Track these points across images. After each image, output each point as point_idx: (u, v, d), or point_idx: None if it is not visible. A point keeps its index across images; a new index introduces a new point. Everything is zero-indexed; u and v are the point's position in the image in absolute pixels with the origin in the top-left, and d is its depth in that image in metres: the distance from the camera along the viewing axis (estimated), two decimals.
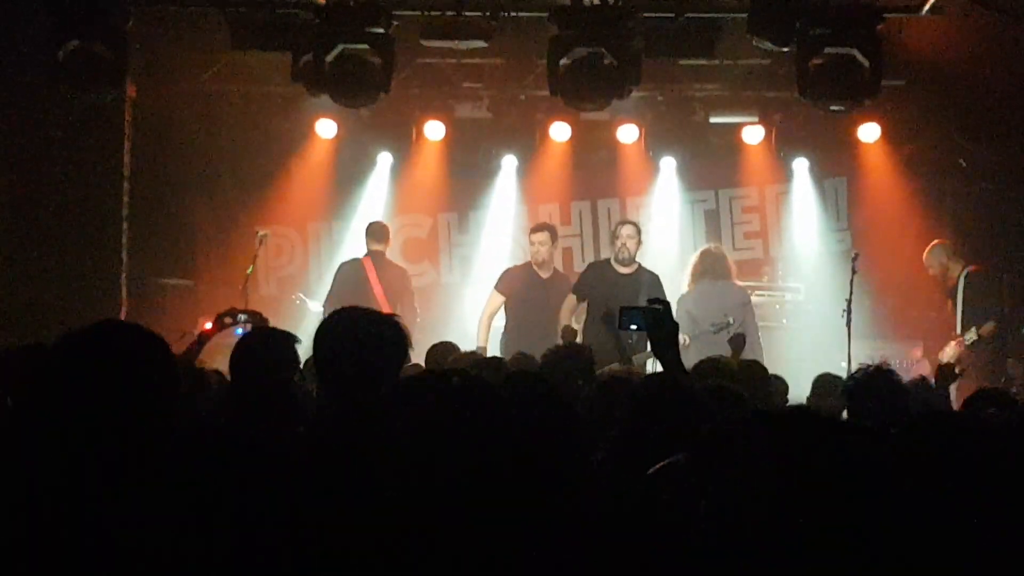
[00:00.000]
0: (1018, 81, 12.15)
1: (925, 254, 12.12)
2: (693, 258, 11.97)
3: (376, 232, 12.53)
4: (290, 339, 5.08)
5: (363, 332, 4.12)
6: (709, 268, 11.73)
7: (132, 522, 2.70)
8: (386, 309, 11.52)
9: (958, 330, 11.59)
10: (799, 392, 8.00)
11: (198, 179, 13.64)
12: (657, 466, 3.57)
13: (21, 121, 12.31)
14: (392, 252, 13.88)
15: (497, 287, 11.94)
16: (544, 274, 11.82)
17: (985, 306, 11.61)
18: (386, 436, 3.12)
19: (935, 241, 12.21)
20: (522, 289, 11.76)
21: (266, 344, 5.11)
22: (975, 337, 11.28)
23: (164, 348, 3.04)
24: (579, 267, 12.99)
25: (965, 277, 11.71)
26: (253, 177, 13.77)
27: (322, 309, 11.90)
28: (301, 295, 13.02)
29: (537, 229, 12.08)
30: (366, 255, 12.35)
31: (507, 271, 12.20)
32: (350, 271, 12.22)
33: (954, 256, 11.98)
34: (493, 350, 11.03)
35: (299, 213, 13.96)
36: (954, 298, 11.76)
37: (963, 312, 11.61)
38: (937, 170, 13.36)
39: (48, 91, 11.25)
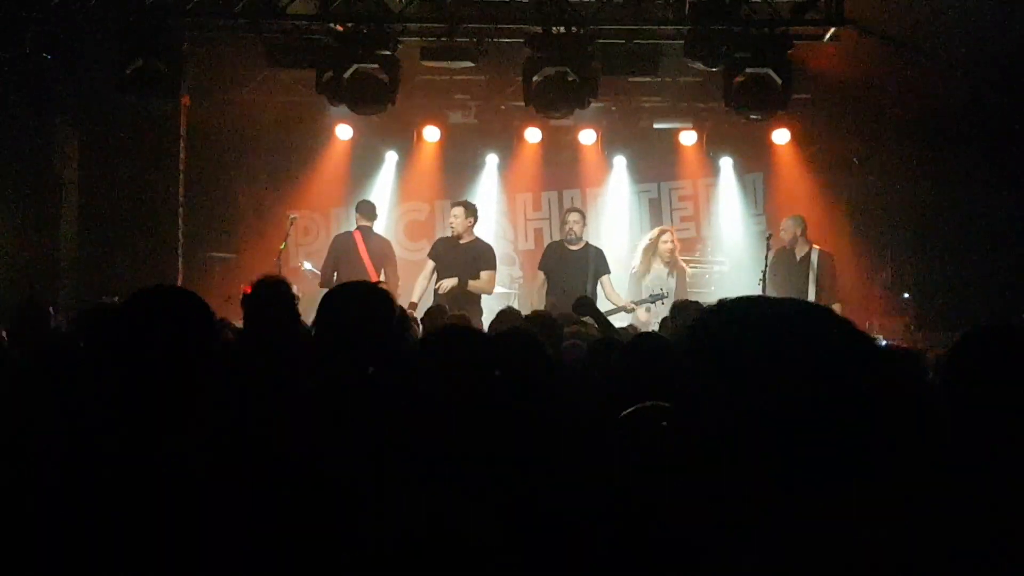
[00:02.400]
0: (899, 94, 12.21)
1: (785, 220, 11.78)
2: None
3: (365, 210, 12.28)
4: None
5: (360, 306, 3.95)
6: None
7: (174, 442, 2.73)
8: (372, 273, 11.50)
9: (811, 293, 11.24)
10: None
11: (240, 172, 13.62)
12: (629, 410, 3.53)
13: (98, 125, 12.28)
14: (396, 233, 13.92)
15: (429, 254, 11.40)
16: (463, 241, 11.14)
17: (831, 285, 11.32)
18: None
19: (795, 214, 11.93)
20: (444, 255, 11.21)
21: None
22: None
23: (204, 306, 3.07)
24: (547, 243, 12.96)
25: (819, 256, 11.43)
26: (285, 170, 13.75)
27: (319, 274, 11.86)
28: (306, 263, 12.62)
29: (454, 205, 11.46)
30: (356, 229, 12.14)
31: (435, 242, 11.68)
32: (343, 242, 12.01)
33: (805, 233, 11.61)
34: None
35: (322, 200, 13.94)
36: (805, 272, 11.37)
37: (817, 286, 11.26)
38: (835, 167, 13.37)
39: (119, 100, 11.21)
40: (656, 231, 11.99)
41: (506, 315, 7.91)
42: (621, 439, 3.27)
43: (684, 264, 12.05)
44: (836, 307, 10.90)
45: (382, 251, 12.01)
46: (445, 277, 10.82)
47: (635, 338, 5.02)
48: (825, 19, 10.42)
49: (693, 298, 10.76)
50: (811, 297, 11.17)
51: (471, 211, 11.21)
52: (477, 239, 11.24)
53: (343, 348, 3.81)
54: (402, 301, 9.02)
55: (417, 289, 11.03)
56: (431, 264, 11.15)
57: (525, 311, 11.70)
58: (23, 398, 3.56)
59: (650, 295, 11.09)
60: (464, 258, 10.94)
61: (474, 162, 14.01)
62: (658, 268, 11.51)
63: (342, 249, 11.80)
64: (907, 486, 1.72)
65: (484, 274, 10.91)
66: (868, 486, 1.59)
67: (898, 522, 1.62)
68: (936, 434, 2.41)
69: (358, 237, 12.00)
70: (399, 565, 2.64)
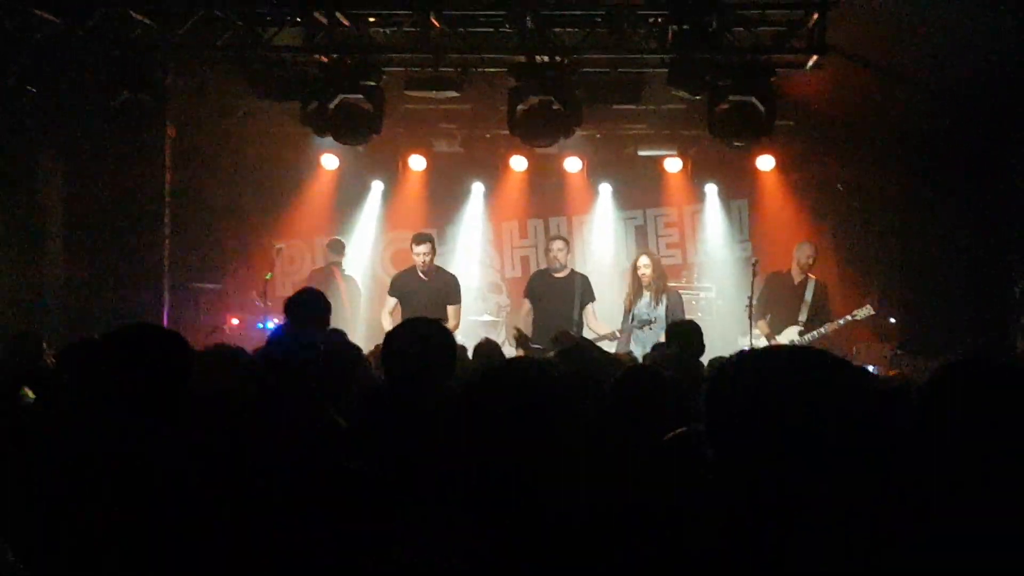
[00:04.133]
0: (881, 121, 12.26)
1: (803, 244, 11.65)
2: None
3: (337, 247, 13.02)
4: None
5: (425, 339, 4.14)
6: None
7: (152, 469, 2.72)
8: (347, 306, 11.75)
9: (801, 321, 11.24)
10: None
11: (226, 203, 13.60)
12: (671, 434, 3.60)
13: (83, 157, 12.23)
14: (382, 261, 13.94)
15: (390, 291, 11.15)
16: (425, 277, 10.93)
17: (824, 312, 11.24)
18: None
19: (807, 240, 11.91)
20: (408, 290, 10.97)
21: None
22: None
23: (181, 342, 3.07)
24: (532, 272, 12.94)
25: (815, 284, 11.37)
26: (270, 201, 13.75)
27: None
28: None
29: (419, 241, 11.04)
30: (331, 264, 12.72)
31: (395, 277, 11.34)
32: (324, 276, 12.47)
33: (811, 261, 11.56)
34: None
35: (308, 229, 13.94)
36: (801, 296, 11.31)
37: (810, 311, 11.21)
38: (820, 193, 13.43)
39: (104, 133, 11.20)
40: (635, 257, 11.74)
41: (483, 348, 7.91)
42: (668, 462, 3.30)
43: (672, 287, 11.92)
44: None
45: (354, 288, 12.64)
46: (410, 311, 10.41)
47: (625, 371, 5.02)
48: (807, 47, 10.44)
49: None
50: (801, 320, 11.21)
51: (431, 243, 11.00)
52: (439, 270, 11.09)
53: (408, 382, 3.99)
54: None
55: (385, 326, 10.53)
56: (393, 300, 10.95)
57: (511, 339, 11.76)
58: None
59: (637, 322, 11.08)
60: (432, 291, 10.78)
61: (460, 190, 14.03)
62: (645, 295, 11.39)
63: (324, 283, 11.81)
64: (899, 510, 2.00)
65: (450, 310, 10.75)
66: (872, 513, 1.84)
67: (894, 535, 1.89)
68: (921, 468, 2.40)
69: (336, 273, 12.61)
70: None
